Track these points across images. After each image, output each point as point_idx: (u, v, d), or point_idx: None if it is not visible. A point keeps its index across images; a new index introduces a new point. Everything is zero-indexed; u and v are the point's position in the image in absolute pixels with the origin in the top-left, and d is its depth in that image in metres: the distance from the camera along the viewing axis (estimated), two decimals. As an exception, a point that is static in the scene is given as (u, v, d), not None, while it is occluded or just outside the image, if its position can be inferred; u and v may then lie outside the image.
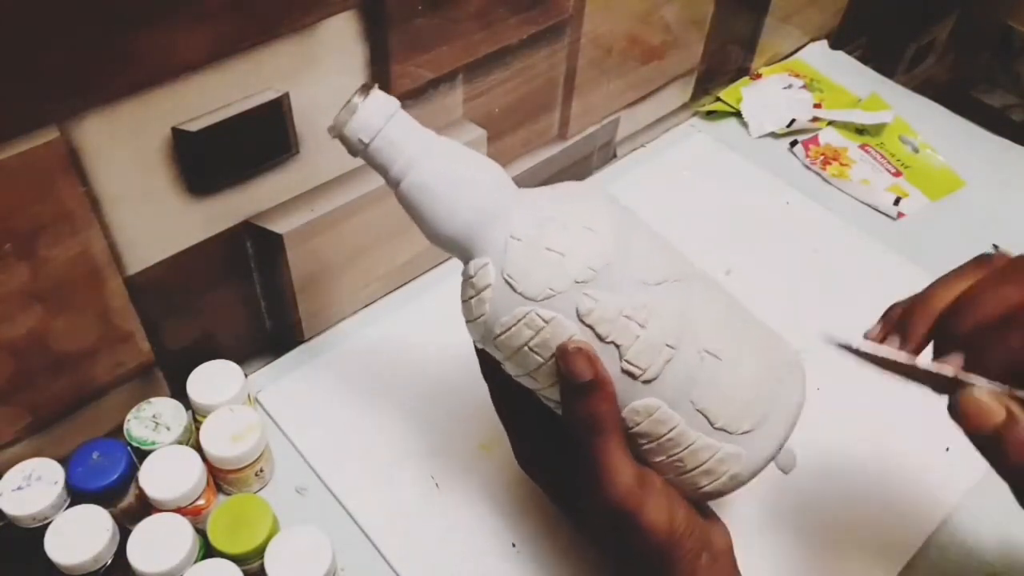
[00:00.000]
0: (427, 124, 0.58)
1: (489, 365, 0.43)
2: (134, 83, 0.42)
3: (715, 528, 0.43)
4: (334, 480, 0.54)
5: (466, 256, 0.40)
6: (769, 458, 0.41)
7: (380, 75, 0.52)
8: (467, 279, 0.40)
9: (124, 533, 0.45)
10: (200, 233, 0.50)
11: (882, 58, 1.06)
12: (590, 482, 0.39)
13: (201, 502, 0.48)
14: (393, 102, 0.40)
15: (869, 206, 0.76)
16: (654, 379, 0.38)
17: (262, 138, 0.49)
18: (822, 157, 0.80)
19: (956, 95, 1.33)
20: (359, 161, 0.56)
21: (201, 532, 0.47)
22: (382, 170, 0.41)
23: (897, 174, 0.79)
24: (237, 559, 0.46)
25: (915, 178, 0.78)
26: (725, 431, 0.40)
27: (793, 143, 0.81)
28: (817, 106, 0.84)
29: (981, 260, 0.37)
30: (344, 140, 0.40)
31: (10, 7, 0.36)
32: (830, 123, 0.83)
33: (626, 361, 0.38)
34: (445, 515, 0.53)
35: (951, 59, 1.29)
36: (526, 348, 0.39)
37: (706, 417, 0.39)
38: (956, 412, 0.34)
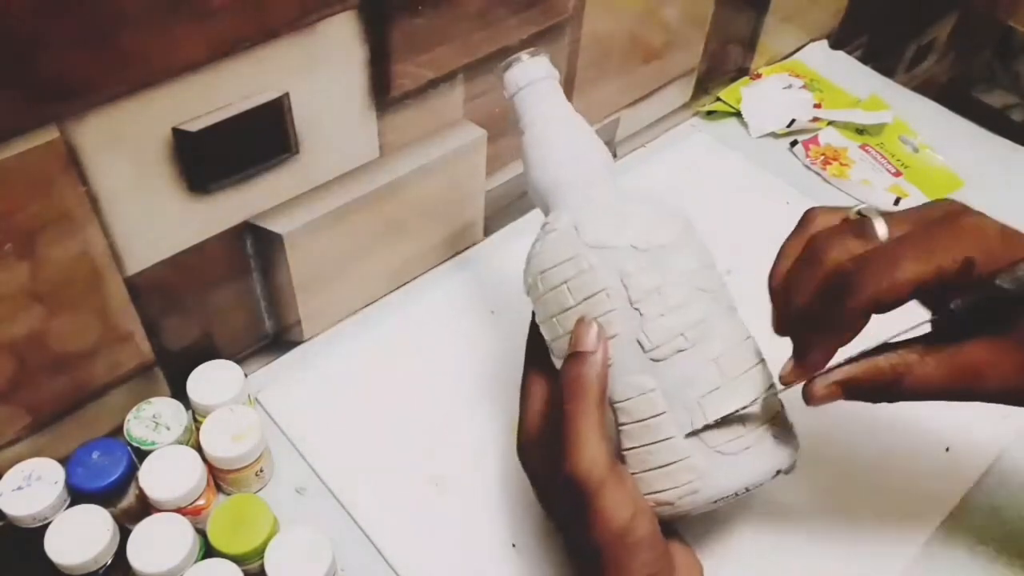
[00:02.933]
0: (427, 124, 0.58)
1: (535, 337, 0.45)
2: (134, 83, 0.42)
3: (682, 561, 0.41)
4: (334, 480, 0.54)
5: (548, 210, 0.45)
6: (731, 492, 0.40)
7: (380, 75, 0.52)
8: (543, 227, 0.44)
9: (124, 533, 0.45)
10: (200, 233, 0.50)
11: (882, 58, 1.06)
12: (561, 451, 0.39)
13: (201, 502, 0.48)
14: (546, 70, 0.47)
15: (869, 206, 0.76)
16: (661, 361, 0.40)
17: (262, 138, 0.49)
18: (822, 157, 0.80)
19: (956, 95, 1.33)
20: (359, 161, 0.56)
21: (201, 532, 0.47)
22: (518, 118, 0.47)
23: (897, 174, 0.79)
24: (237, 559, 0.46)
25: (915, 178, 0.78)
26: (703, 442, 0.40)
27: (793, 143, 0.81)
28: (817, 106, 0.84)
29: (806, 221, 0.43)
30: (503, 82, 0.47)
31: (10, 7, 0.36)
32: (830, 123, 0.83)
33: (643, 331, 0.39)
34: (445, 515, 0.53)
35: (951, 59, 1.29)
36: (564, 286, 0.41)
37: (691, 419, 0.40)
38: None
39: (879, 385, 0.39)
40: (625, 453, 0.41)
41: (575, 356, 0.40)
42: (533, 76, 0.46)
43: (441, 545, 0.52)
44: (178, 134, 0.45)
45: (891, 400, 0.40)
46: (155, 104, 0.43)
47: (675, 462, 0.40)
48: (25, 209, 0.42)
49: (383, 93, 0.53)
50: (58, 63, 0.39)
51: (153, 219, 0.47)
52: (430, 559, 0.51)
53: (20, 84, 0.38)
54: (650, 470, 0.40)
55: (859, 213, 0.40)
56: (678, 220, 0.43)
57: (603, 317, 0.40)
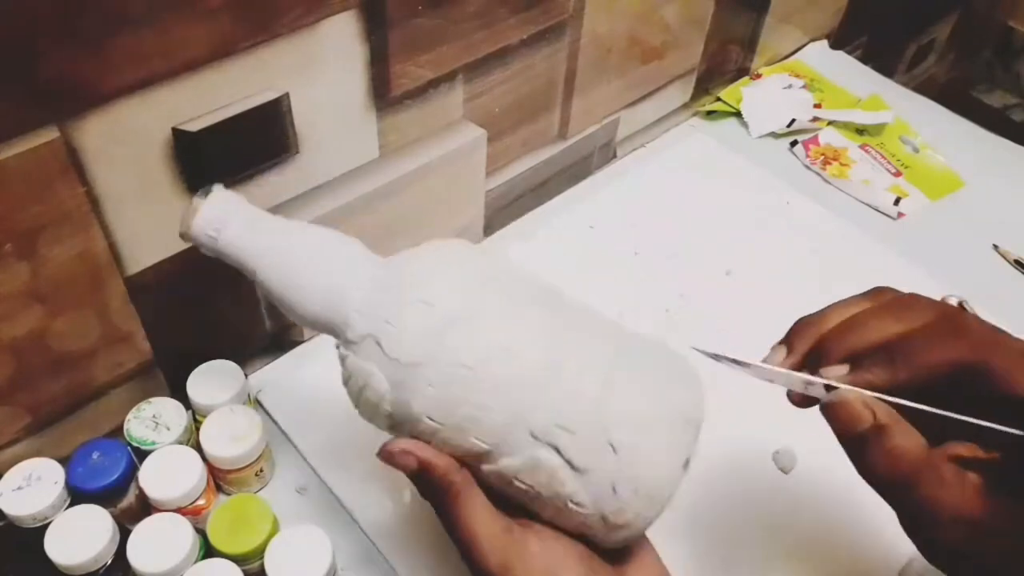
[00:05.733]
0: (427, 124, 0.58)
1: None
2: (134, 83, 0.42)
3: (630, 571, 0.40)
4: (334, 480, 0.54)
5: (335, 336, 0.41)
6: (659, 507, 0.37)
7: (380, 75, 0.52)
8: (346, 359, 0.41)
9: (124, 533, 0.45)
10: (200, 233, 0.50)
11: (882, 58, 1.06)
12: (460, 551, 0.38)
13: (201, 502, 0.48)
14: (234, 199, 0.41)
15: (869, 206, 0.76)
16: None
17: (262, 138, 0.49)
18: (822, 157, 0.80)
19: (956, 95, 1.33)
20: (359, 161, 0.56)
21: (201, 532, 0.47)
22: (236, 264, 0.41)
23: (897, 174, 0.79)
24: (237, 559, 0.46)
25: (915, 178, 0.79)
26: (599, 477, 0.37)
27: (793, 143, 0.82)
28: (817, 106, 0.84)
29: (876, 291, 0.40)
30: (194, 240, 0.41)
31: (10, 7, 0.36)
32: (830, 123, 0.83)
33: (478, 436, 0.37)
34: (445, 515, 0.53)
35: (951, 59, 1.29)
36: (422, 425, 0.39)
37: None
38: (827, 413, 0.36)
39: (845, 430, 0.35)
40: (538, 509, 0.39)
41: (420, 475, 0.38)
42: (228, 209, 0.41)
43: (441, 545, 0.52)
44: (178, 134, 0.45)
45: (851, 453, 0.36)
46: (155, 104, 0.43)
47: (584, 517, 0.38)
48: (25, 209, 0.42)
49: (383, 93, 0.54)
50: (58, 63, 0.39)
51: (153, 219, 0.47)
52: (430, 559, 0.51)
53: (20, 84, 0.38)
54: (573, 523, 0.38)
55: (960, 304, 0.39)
56: (469, 255, 0.40)
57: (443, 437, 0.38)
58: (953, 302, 0.39)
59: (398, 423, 0.39)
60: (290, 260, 0.40)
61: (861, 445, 0.35)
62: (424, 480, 0.38)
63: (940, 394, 0.35)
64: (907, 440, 0.34)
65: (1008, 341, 0.36)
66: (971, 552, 0.34)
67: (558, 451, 0.37)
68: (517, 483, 0.38)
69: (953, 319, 0.36)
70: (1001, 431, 0.33)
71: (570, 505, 0.38)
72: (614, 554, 0.40)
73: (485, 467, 0.38)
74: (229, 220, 0.41)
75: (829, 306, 0.39)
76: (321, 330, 0.41)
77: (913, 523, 0.35)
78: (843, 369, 0.36)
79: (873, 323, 0.37)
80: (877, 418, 0.34)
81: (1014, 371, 0.34)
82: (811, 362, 0.38)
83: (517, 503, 0.39)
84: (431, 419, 0.37)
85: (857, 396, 0.35)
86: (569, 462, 0.37)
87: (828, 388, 0.36)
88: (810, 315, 0.40)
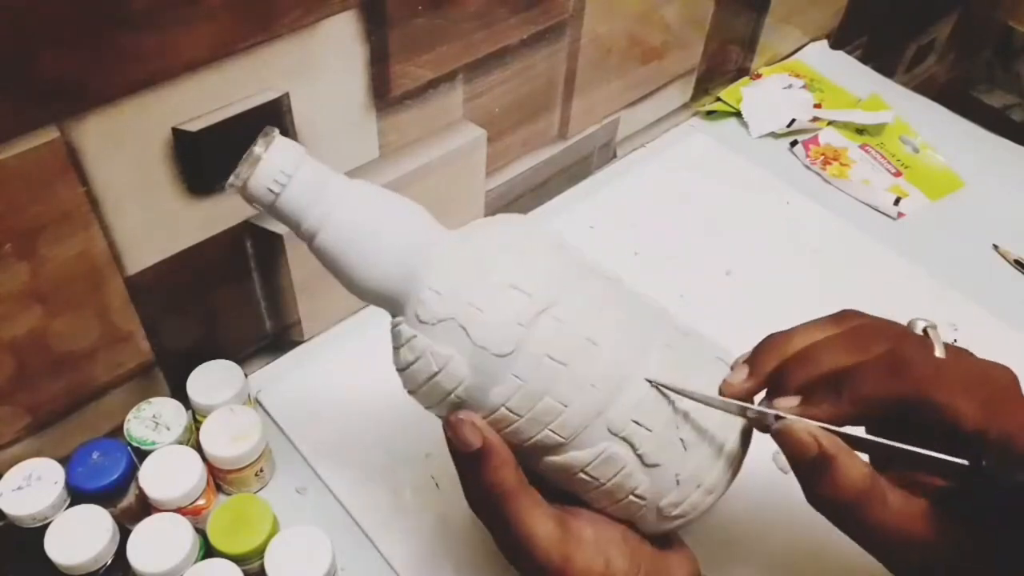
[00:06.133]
0: (427, 124, 0.58)
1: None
2: (134, 83, 0.42)
3: (673, 560, 0.41)
4: (334, 480, 0.54)
5: (393, 311, 0.39)
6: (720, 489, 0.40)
7: (380, 75, 0.52)
8: (408, 340, 0.38)
9: (124, 533, 0.45)
10: (200, 233, 0.50)
11: (882, 58, 1.06)
12: (512, 549, 0.38)
13: (201, 502, 0.48)
14: (299, 148, 0.36)
15: (869, 206, 0.76)
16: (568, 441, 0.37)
17: (262, 138, 0.49)
18: (822, 157, 0.80)
19: (956, 95, 1.33)
20: (359, 161, 0.56)
21: (201, 532, 0.47)
22: (293, 224, 0.37)
23: (897, 174, 0.79)
24: (237, 559, 0.46)
25: (915, 178, 0.79)
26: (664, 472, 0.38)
27: (793, 143, 0.81)
28: (817, 106, 0.84)
29: (843, 315, 0.40)
30: (248, 196, 0.36)
31: (10, 7, 0.36)
32: (830, 123, 0.83)
33: (553, 428, 0.36)
34: (445, 515, 0.53)
35: (951, 59, 1.29)
36: (504, 410, 0.37)
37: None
38: (776, 440, 0.36)
39: (801, 459, 0.36)
40: (592, 498, 0.39)
41: (472, 464, 0.37)
42: (293, 160, 0.36)
43: (441, 545, 0.52)
44: (178, 134, 0.45)
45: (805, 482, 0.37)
46: (155, 104, 0.43)
47: (639, 507, 0.38)
48: (25, 209, 0.42)
49: (383, 93, 0.54)
50: (58, 63, 0.39)
51: (153, 219, 0.47)
52: (430, 559, 0.51)
53: (20, 84, 0.38)
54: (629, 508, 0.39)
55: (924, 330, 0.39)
56: (543, 234, 0.39)
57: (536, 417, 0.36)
58: (920, 326, 0.39)
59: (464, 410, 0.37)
60: (356, 225, 0.36)
61: (809, 473, 0.36)
62: (474, 469, 0.37)
63: (892, 424, 0.36)
64: (852, 468, 0.35)
65: (953, 374, 0.36)
66: (928, 572, 0.35)
67: (632, 447, 0.37)
68: (581, 475, 0.38)
69: (898, 355, 0.36)
70: (945, 462, 0.33)
71: (631, 497, 0.38)
72: (653, 537, 0.41)
73: (549, 458, 0.38)
74: (293, 174, 0.35)
75: (796, 327, 0.40)
76: (378, 303, 0.38)
77: (869, 547, 0.37)
78: (795, 400, 0.37)
79: (825, 356, 0.38)
80: (822, 447, 0.35)
81: (956, 405, 0.35)
82: (771, 385, 0.39)
83: (563, 490, 0.39)
84: (509, 410, 0.36)
85: (803, 426, 0.35)
86: (641, 457, 0.37)
87: (778, 417, 0.36)
88: (778, 334, 0.40)
